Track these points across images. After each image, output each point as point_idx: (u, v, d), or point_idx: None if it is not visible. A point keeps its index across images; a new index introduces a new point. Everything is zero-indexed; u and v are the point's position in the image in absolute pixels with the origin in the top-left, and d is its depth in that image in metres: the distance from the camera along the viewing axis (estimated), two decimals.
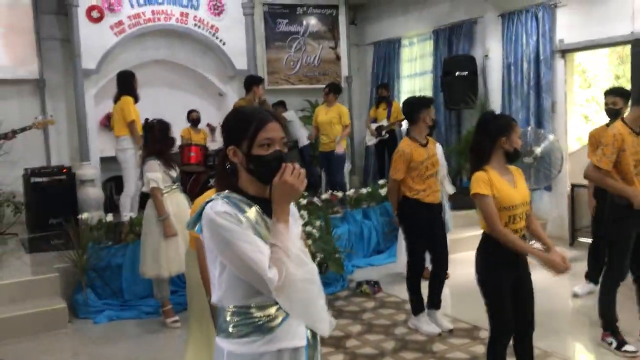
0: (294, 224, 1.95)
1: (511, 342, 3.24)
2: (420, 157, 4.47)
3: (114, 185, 7.93)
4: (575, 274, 5.78)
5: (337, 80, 9.76)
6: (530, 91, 7.43)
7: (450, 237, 5.23)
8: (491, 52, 8.12)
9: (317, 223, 5.88)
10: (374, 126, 8.91)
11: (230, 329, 1.88)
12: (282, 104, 9.16)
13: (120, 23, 7.92)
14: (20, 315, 4.84)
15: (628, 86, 6.19)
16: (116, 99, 6.47)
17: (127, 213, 6.29)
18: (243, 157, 1.91)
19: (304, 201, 6.30)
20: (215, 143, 8.62)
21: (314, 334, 1.99)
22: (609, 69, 8.89)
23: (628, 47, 6.52)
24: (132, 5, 7.99)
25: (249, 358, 1.86)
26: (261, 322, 1.86)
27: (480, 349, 4.12)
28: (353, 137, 10.01)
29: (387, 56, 10.01)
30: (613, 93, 4.92)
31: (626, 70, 7.29)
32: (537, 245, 3.32)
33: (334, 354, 4.23)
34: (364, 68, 10.67)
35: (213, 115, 8.90)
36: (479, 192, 3.10)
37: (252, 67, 8.74)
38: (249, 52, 8.79)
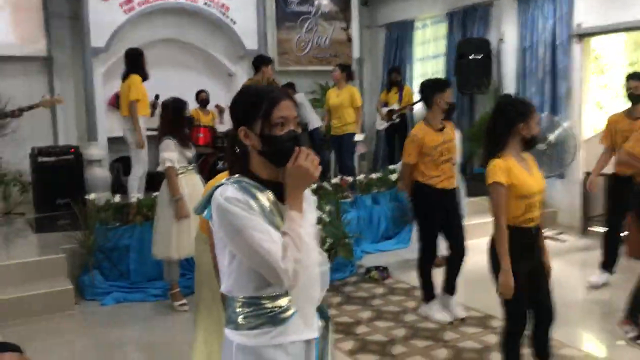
0: (309, 210, 1.85)
1: (526, 332, 3.17)
2: (433, 143, 4.35)
3: (121, 166, 7.87)
4: (588, 263, 5.73)
5: (348, 62, 9.61)
6: (546, 77, 7.28)
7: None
8: (506, 35, 7.94)
9: (327, 208, 5.80)
10: (384, 110, 8.79)
11: (240, 320, 1.79)
12: (291, 86, 9.02)
13: (129, 1, 7.79)
14: (27, 296, 4.79)
15: None
16: (124, 77, 6.37)
17: (135, 194, 6.22)
18: (256, 137, 1.80)
19: (313, 185, 6.21)
20: (224, 125, 8.53)
21: (325, 325, 1.92)
22: (623, 55, 8.70)
23: None
24: None
25: (260, 350, 1.77)
26: (273, 314, 1.77)
27: (493, 339, 4.05)
28: (363, 121, 9.88)
29: (399, 38, 9.85)
30: (636, 77, 4.82)
31: None
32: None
33: (344, 341, 4.17)
34: (376, 50, 10.50)
35: (222, 96, 8.79)
36: (498, 181, 3.00)
37: (262, 47, 8.62)
38: (260, 32, 8.66)
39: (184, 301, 4.88)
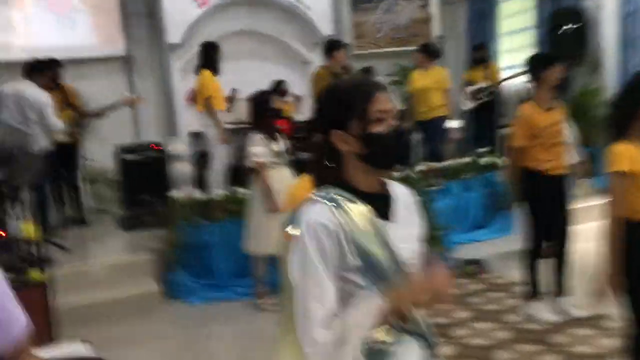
0: (407, 224, 1.63)
1: None
2: (543, 123, 3.94)
3: (202, 161, 7.84)
4: None
5: (428, 41, 9.14)
6: None
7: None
8: (604, 1, 7.25)
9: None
10: (470, 89, 8.29)
11: None
12: (369, 71, 8.67)
13: None
14: (116, 298, 4.80)
15: None
16: (197, 72, 6.29)
17: (216, 190, 6.14)
18: (354, 140, 1.54)
19: (397, 175, 5.89)
20: (301, 115, 8.35)
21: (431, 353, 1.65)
22: None
23: None
24: None
25: None
26: (375, 349, 1.51)
27: (609, 343, 3.64)
28: (453, 104, 9.41)
29: (482, 13, 9.28)
30: None
31: None
32: None
33: (442, 345, 3.86)
34: (456, 27, 9.97)
35: (298, 85, 8.61)
36: (622, 170, 2.63)
37: (338, 32, 8.36)
38: (335, 16, 8.40)
39: (271, 300, 4.73)
